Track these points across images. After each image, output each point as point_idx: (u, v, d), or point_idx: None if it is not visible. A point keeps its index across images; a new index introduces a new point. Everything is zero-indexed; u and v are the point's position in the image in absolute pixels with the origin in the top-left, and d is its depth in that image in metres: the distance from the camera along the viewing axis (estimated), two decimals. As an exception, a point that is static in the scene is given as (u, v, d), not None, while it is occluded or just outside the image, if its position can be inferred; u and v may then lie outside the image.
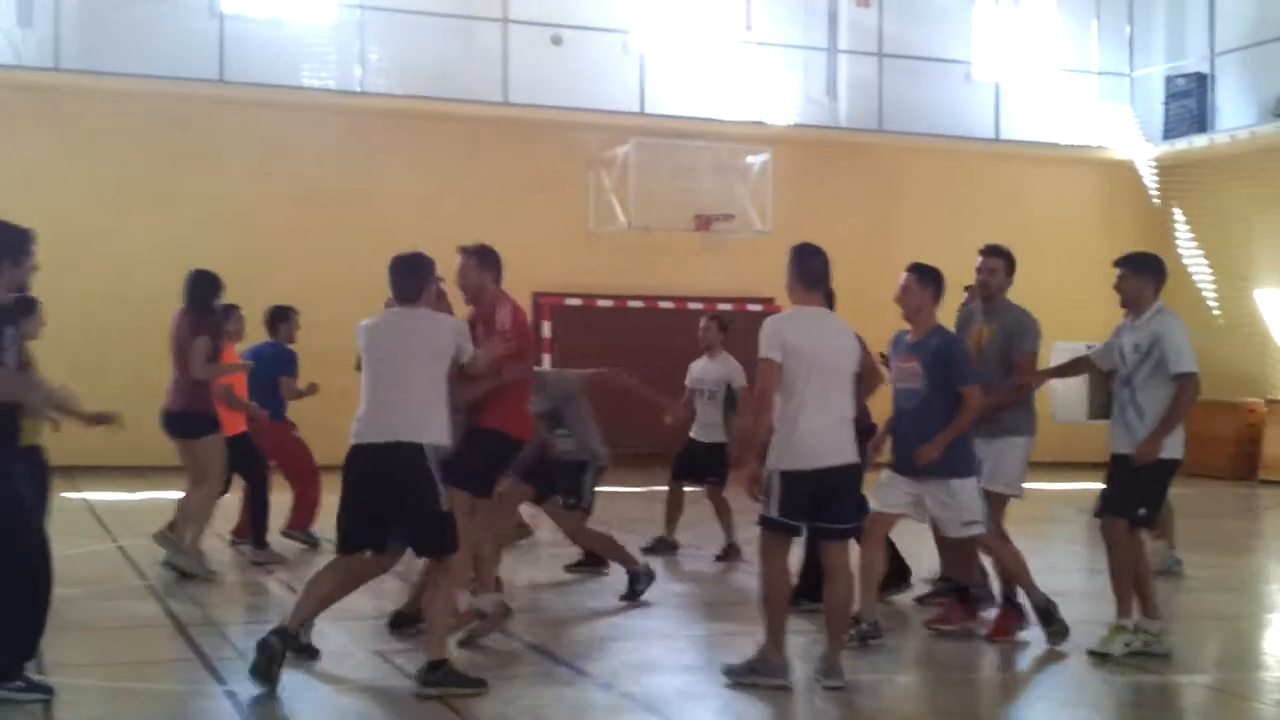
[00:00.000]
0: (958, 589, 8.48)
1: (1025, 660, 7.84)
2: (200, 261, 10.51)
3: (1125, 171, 23.65)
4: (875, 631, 7.82)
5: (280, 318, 11.53)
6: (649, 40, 21.61)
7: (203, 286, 9.97)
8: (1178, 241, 23.26)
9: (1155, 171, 23.62)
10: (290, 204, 19.12)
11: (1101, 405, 15.13)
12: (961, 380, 7.64)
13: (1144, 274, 7.78)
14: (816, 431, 6.79)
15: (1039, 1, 23.98)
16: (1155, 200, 23.62)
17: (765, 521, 6.91)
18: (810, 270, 7.03)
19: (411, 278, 7.02)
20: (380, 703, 6.69)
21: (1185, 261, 23.08)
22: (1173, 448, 7.57)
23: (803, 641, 7.67)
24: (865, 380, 7.17)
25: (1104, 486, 7.84)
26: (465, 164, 20.02)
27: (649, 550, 11.50)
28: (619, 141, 19.97)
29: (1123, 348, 7.72)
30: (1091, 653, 7.57)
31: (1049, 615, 7.90)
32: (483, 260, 7.89)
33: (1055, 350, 20.23)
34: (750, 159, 20.76)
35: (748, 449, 7.20)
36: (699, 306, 17.99)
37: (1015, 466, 8.20)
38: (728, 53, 22.08)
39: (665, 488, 11.73)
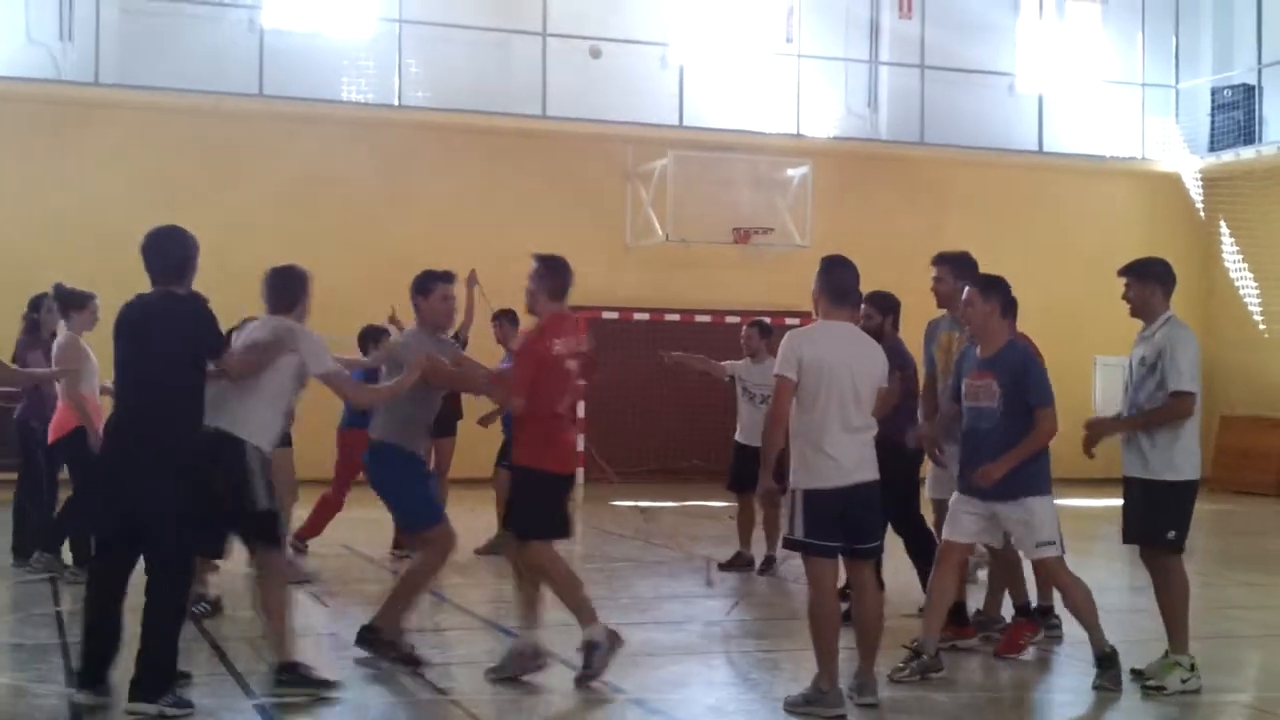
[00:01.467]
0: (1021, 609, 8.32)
1: (1069, 680, 7.70)
2: (238, 276, 10.51)
3: (1171, 184, 23.41)
4: (938, 664, 7.45)
5: (370, 337, 12.18)
6: (688, 53, 21.55)
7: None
8: (1224, 255, 23.04)
9: (1201, 184, 23.36)
10: (328, 217, 19.14)
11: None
12: (1038, 401, 7.32)
13: (1149, 280, 7.50)
14: (839, 449, 6.59)
15: (1084, 13, 23.82)
16: (1201, 213, 23.36)
17: (791, 544, 6.74)
18: (839, 284, 6.85)
19: (269, 292, 7.54)
20: (412, 715, 6.62)
21: (1231, 275, 22.85)
22: (1190, 467, 7.31)
23: (840, 657, 7.54)
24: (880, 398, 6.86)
25: (1123, 513, 7.56)
26: (503, 177, 20.01)
27: (726, 566, 11.43)
28: (657, 154, 19.90)
29: (1131, 361, 7.49)
30: (1146, 686, 7.26)
31: (1108, 661, 7.32)
32: None
33: (1097, 364, 20.12)
34: (790, 172, 20.64)
35: (764, 465, 6.87)
36: (736, 320, 17.84)
37: None
38: (767, 65, 21.99)
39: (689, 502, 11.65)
